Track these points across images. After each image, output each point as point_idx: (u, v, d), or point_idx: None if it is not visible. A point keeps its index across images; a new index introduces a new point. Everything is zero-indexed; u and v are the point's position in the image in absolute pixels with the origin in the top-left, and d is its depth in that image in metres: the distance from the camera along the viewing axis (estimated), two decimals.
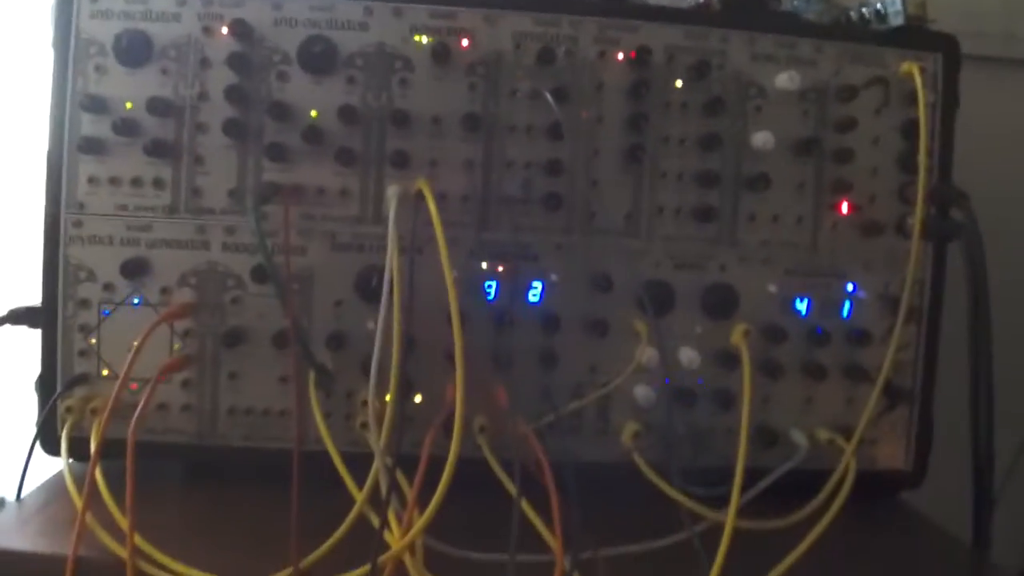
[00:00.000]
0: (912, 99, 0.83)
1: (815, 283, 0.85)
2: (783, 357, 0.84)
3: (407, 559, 0.66)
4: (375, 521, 0.69)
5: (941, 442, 0.87)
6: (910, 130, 0.84)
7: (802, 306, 0.85)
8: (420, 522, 0.66)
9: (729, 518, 0.68)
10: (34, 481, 0.83)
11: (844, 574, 0.75)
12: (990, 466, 0.82)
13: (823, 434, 0.83)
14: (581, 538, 0.66)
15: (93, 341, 0.82)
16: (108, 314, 0.82)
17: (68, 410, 0.80)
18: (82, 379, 0.82)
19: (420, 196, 0.75)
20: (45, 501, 0.80)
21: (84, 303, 0.82)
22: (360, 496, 0.70)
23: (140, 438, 0.74)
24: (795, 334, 0.84)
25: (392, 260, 0.72)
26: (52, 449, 0.81)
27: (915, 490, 0.89)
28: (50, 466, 0.83)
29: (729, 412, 0.83)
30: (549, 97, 0.79)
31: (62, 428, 0.80)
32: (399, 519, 0.68)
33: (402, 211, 0.76)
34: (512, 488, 0.70)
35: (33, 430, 0.82)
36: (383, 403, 0.74)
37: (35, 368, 0.83)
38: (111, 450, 0.72)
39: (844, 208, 0.85)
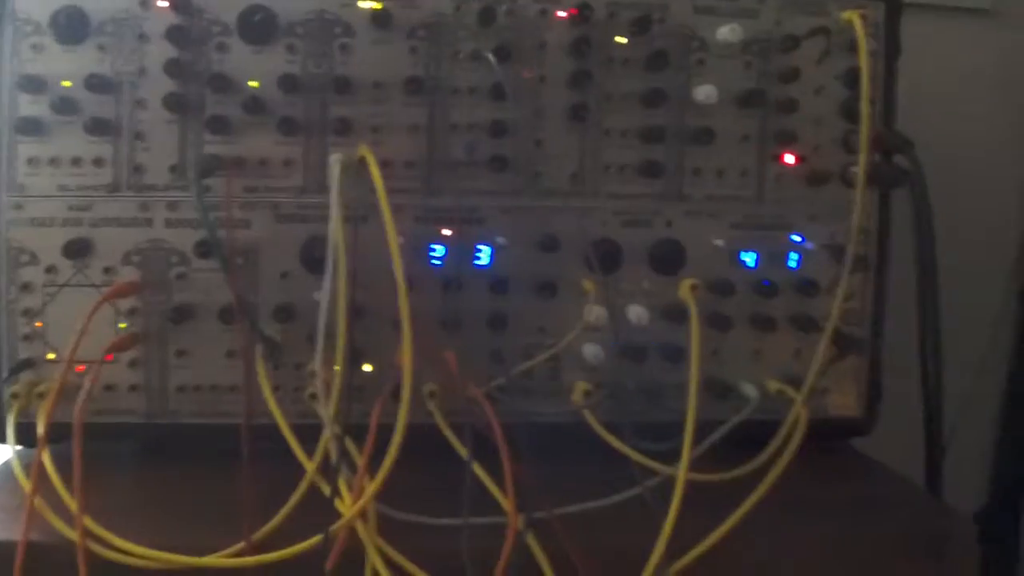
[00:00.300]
0: (853, 48, 0.82)
1: (761, 235, 0.85)
2: (731, 310, 0.84)
3: (359, 526, 0.66)
4: (327, 490, 0.68)
5: (891, 389, 0.88)
6: (853, 79, 0.83)
7: (749, 258, 0.85)
8: (371, 488, 0.65)
9: (681, 472, 0.69)
10: None
11: (798, 522, 0.75)
12: (939, 411, 0.83)
13: (773, 385, 0.83)
14: (534, 498, 0.67)
15: (39, 324, 0.81)
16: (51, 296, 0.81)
17: (14, 396, 0.79)
18: (28, 364, 0.81)
19: (363, 163, 0.75)
20: None
21: (27, 287, 0.81)
22: (311, 466, 0.70)
23: (89, 420, 0.74)
24: (743, 287, 0.84)
25: (336, 229, 0.71)
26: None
27: (868, 437, 0.89)
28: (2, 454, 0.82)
29: (679, 366, 0.82)
30: (491, 57, 0.79)
31: (9, 414, 0.79)
32: (351, 488, 0.68)
33: (345, 179, 0.75)
34: (463, 451, 0.70)
35: None
36: (331, 372, 0.73)
37: None
38: (60, 434, 0.71)
39: (789, 159, 0.85)
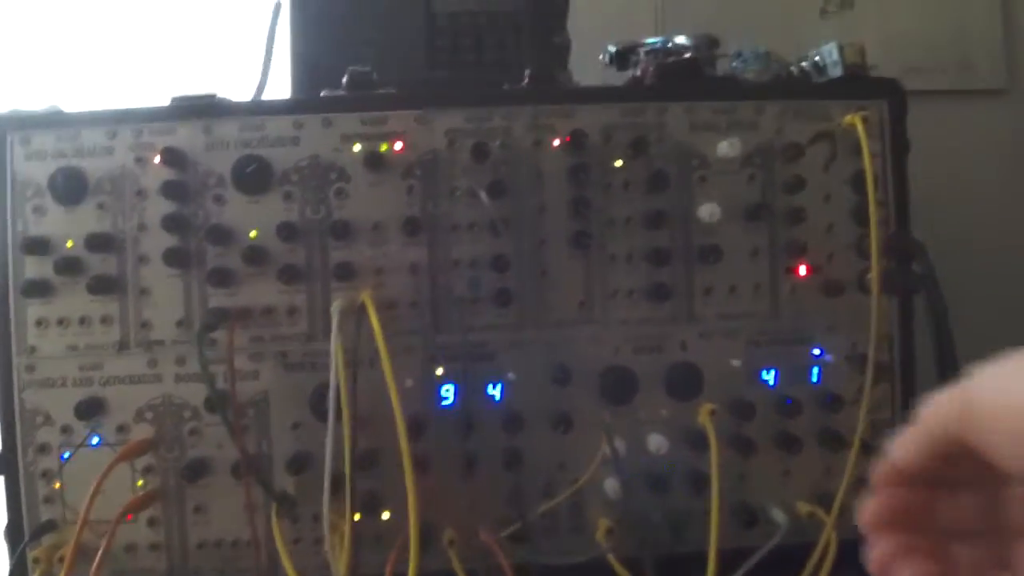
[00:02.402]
0: (860, 150, 0.81)
1: (780, 351, 0.83)
2: (754, 432, 0.81)
3: None
4: None
5: None
6: (861, 182, 0.81)
7: (769, 376, 0.82)
8: None
9: None
10: None
11: None
12: None
13: (803, 508, 0.81)
14: None
15: (57, 486, 0.81)
16: (68, 458, 0.81)
17: (35, 561, 0.79)
18: (49, 526, 0.81)
19: (364, 308, 0.74)
20: None
21: (44, 448, 0.81)
22: None
23: None
24: (764, 406, 0.81)
25: (339, 376, 0.70)
26: None
27: None
28: None
29: (704, 494, 0.79)
30: (483, 194, 0.78)
31: None
32: None
33: (349, 324, 0.74)
34: None
35: None
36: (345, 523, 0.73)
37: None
38: None
39: (802, 270, 0.83)
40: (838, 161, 0.83)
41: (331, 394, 0.70)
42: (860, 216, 0.82)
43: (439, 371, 0.81)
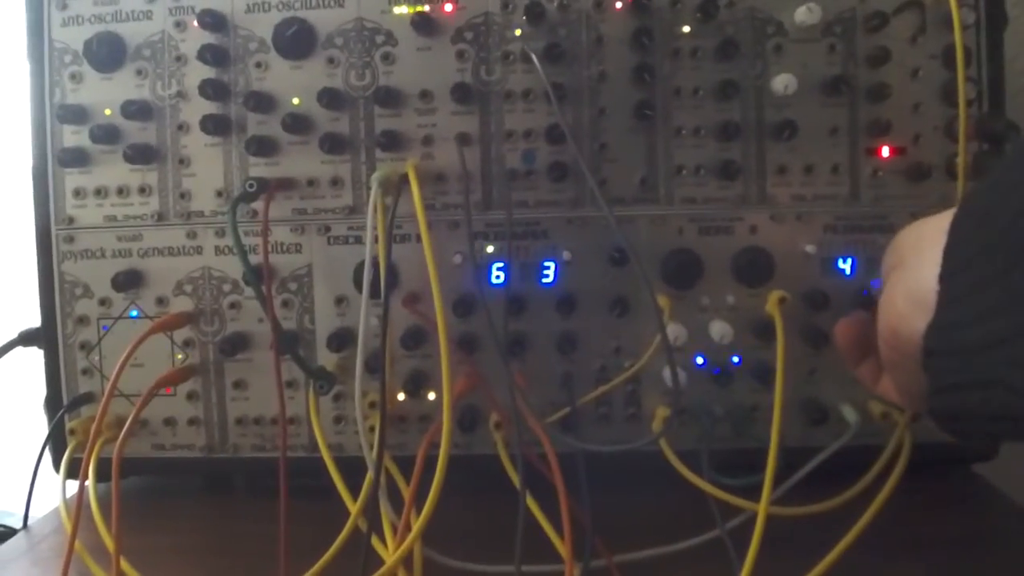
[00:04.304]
0: (951, 22, 0.73)
1: (859, 239, 0.76)
2: (827, 324, 0.74)
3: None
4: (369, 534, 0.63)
5: None
6: (952, 58, 0.73)
7: (846, 265, 0.76)
8: (414, 531, 0.60)
9: (761, 508, 0.61)
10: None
11: (898, 561, 0.66)
12: None
13: (877, 407, 0.74)
14: (593, 544, 0.61)
15: (96, 358, 0.79)
16: (107, 329, 0.79)
17: (71, 432, 0.77)
18: (87, 398, 0.80)
19: (406, 179, 0.69)
20: (54, 527, 0.77)
21: (83, 320, 0.79)
22: (355, 508, 0.65)
23: (150, 455, 0.77)
24: (839, 297, 0.75)
25: (380, 252, 0.66)
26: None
27: (991, 463, 0.79)
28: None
29: (770, 388, 0.73)
30: (535, 58, 0.72)
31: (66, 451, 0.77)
32: (395, 531, 0.63)
33: (396, 194, 0.70)
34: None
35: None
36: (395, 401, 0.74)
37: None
38: (127, 469, 0.73)
39: (885, 152, 0.76)
40: (927, 34, 0.75)
41: (366, 269, 0.66)
42: (950, 95, 0.74)
43: (489, 248, 0.76)
